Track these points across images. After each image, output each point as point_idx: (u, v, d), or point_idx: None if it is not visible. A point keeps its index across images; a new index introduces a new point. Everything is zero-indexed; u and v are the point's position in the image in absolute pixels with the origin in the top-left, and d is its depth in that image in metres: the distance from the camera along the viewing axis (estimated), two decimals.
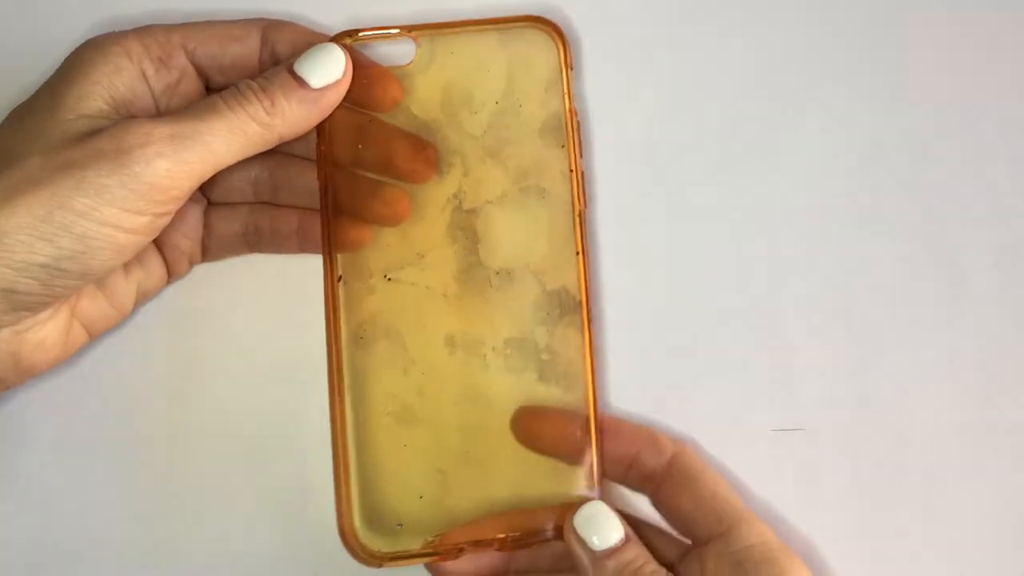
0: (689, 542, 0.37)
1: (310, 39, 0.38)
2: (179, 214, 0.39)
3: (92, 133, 0.35)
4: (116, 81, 0.36)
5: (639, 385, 0.40)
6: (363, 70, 0.38)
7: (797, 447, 0.40)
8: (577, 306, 0.38)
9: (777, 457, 0.40)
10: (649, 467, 0.38)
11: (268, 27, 0.38)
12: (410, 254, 0.38)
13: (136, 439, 0.41)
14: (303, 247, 0.40)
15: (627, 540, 0.36)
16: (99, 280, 0.37)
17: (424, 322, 0.38)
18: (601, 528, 0.36)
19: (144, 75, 0.37)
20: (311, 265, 0.39)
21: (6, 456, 0.40)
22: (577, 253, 0.38)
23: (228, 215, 0.40)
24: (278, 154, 0.39)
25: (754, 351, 0.41)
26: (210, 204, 0.41)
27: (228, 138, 0.35)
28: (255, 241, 0.41)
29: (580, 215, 0.38)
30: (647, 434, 0.38)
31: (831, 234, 0.41)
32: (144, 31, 0.37)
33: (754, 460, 0.40)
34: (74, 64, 0.36)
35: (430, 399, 0.38)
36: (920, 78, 0.41)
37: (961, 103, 0.41)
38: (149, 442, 0.41)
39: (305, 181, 0.40)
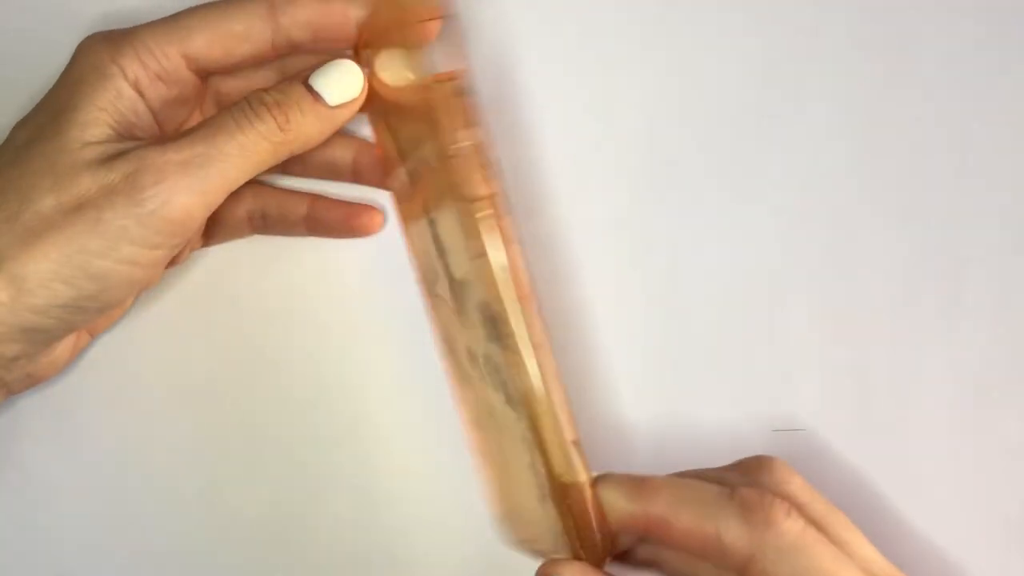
0: None
1: (326, 14, 0.36)
2: None
3: (102, 161, 0.34)
4: (119, 106, 0.35)
5: (639, 386, 0.41)
6: None
7: (797, 447, 0.40)
8: (494, 320, 0.34)
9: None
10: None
11: (273, 8, 0.36)
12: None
13: (138, 436, 0.41)
14: (312, 230, 0.40)
15: None
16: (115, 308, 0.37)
17: (454, 336, 0.37)
18: None
19: (143, 95, 0.36)
20: (313, 248, 0.39)
21: (6, 454, 0.41)
22: (480, 256, 0.34)
23: (232, 201, 0.39)
24: None
25: (754, 351, 0.40)
26: None
27: (240, 162, 0.34)
28: (261, 224, 0.40)
29: (479, 206, 0.34)
30: (711, 535, 0.32)
31: (831, 234, 0.41)
32: (140, 42, 0.35)
33: None
34: (76, 90, 0.35)
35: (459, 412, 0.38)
36: (920, 77, 0.41)
37: (962, 102, 0.41)
38: (151, 440, 0.41)
39: (319, 154, 0.39)
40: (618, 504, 0.34)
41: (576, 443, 0.35)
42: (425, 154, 0.36)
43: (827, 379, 0.40)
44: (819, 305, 0.41)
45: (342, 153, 0.39)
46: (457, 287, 0.36)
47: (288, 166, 0.39)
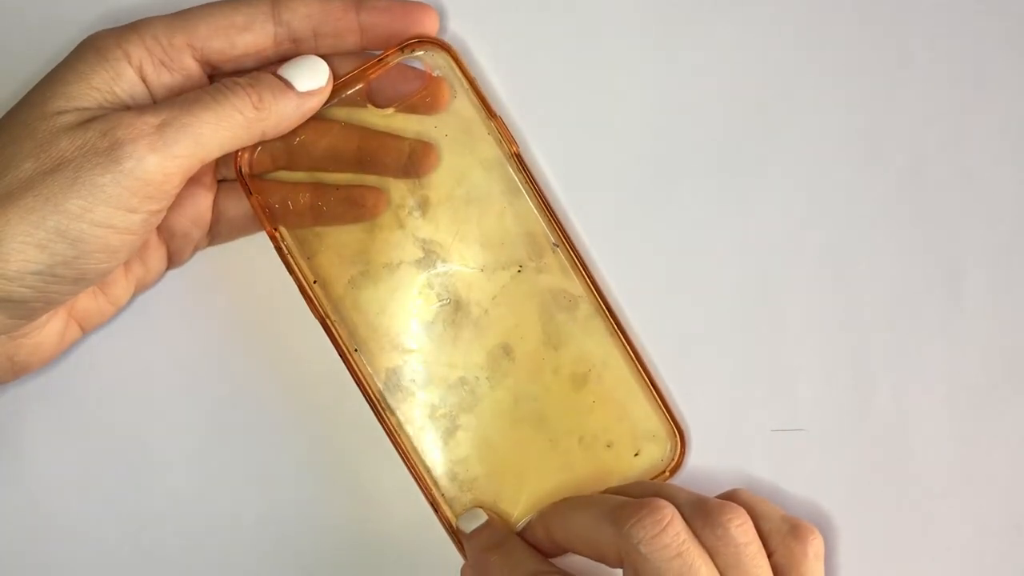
0: None
1: (326, 10, 0.38)
2: (190, 203, 0.39)
3: (80, 124, 0.34)
4: (115, 88, 0.36)
5: None
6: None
7: (797, 447, 0.40)
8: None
9: (777, 457, 0.40)
10: None
11: (276, 3, 0.37)
12: None
13: (138, 434, 0.40)
14: (318, 220, 0.39)
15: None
16: (97, 283, 0.37)
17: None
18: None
19: (144, 79, 0.36)
20: None
21: (6, 452, 0.40)
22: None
23: (238, 197, 0.40)
24: None
25: (754, 351, 0.40)
26: (219, 184, 0.40)
27: (215, 129, 0.35)
28: None
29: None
30: (593, 540, 0.36)
31: (831, 234, 0.41)
32: (146, 31, 0.36)
33: (754, 460, 0.40)
34: (73, 66, 0.36)
35: None
36: (920, 77, 0.41)
37: (961, 102, 0.41)
38: (150, 438, 0.40)
39: (326, 142, 0.39)
40: (471, 564, 0.38)
41: (432, 500, 0.38)
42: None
43: (827, 379, 0.40)
44: (819, 305, 0.41)
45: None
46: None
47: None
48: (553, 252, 0.39)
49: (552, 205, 0.39)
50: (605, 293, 0.39)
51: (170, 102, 0.35)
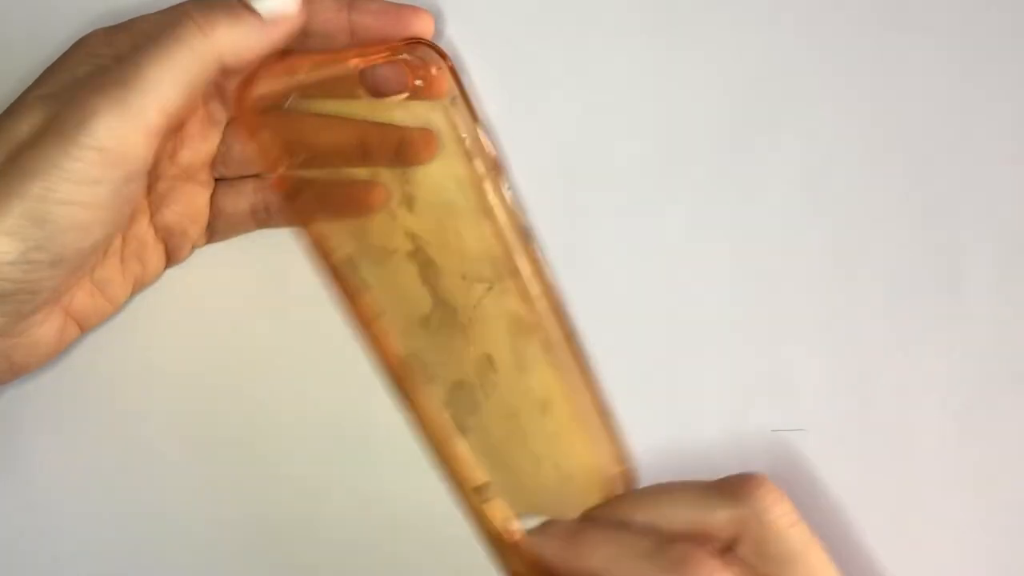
0: None
1: (315, 9, 0.37)
2: (187, 200, 0.38)
3: (38, 107, 0.34)
4: None
5: (638, 386, 0.40)
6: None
7: (797, 447, 0.40)
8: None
9: (777, 457, 0.40)
10: None
11: None
12: None
13: (136, 434, 0.40)
14: (313, 213, 0.39)
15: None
16: (81, 267, 0.36)
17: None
18: None
19: None
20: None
21: (4, 453, 0.40)
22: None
23: (235, 194, 0.39)
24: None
25: (754, 351, 0.40)
26: (216, 182, 0.40)
27: (161, 72, 0.33)
28: (264, 218, 0.40)
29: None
30: None
31: (830, 233, 0.41)
32: (136, 28, 0.36)
33: (754, 460, 0.40)
34: (62, 63, 0.36)
35: None
36: (919, 76, 0.41)
37: (960, 101, 0.41)
38: (149, 438, 0.40)
39: (324, 139, 0.38)
40: (555, 557, 0.35)
41: (481, 489, 0.36)
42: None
43: (827, 379, 0.40)
44: (819, 305, 0.41)
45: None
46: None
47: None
48: (513, 278, 0.38)
49: (524, 228, 0.38)
50: (565, 319, 0.38)
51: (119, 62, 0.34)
